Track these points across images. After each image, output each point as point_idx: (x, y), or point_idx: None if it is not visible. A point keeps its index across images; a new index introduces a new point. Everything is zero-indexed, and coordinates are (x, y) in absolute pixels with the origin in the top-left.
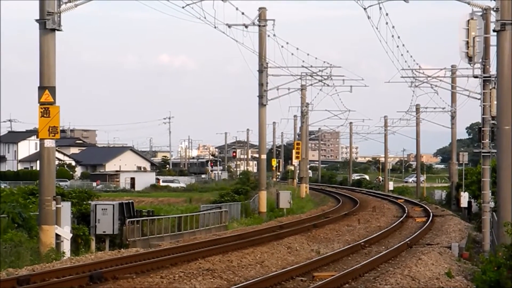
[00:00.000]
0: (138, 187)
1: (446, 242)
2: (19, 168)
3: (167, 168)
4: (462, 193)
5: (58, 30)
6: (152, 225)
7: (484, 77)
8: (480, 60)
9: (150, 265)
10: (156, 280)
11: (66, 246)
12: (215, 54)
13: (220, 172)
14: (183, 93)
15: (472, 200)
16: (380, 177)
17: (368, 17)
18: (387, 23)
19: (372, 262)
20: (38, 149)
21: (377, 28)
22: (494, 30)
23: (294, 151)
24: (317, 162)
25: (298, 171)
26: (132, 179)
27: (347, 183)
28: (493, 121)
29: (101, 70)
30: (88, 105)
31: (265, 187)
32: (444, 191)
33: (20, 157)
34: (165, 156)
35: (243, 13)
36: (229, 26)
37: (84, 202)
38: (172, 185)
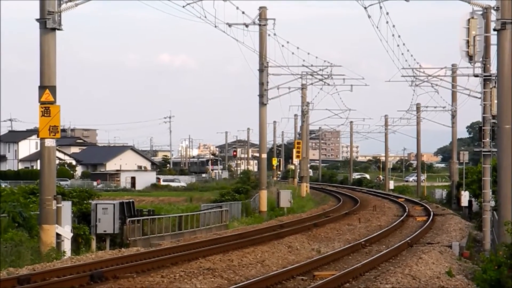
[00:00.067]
0: (139, 186)
1: (447, 241)
2: (20, 167)
3: (167, 168)
4: (462, 192)
5: (58, 29)
6: (153, 225)
7: (484, 76)
8: (481, 59)
9: (151, 265)
10: (157, 279)
11: (66, 246)
12: (216, 54)
13: (220, 171)
14: (183, 92)
15: (473, 199)
16: (380, 176)
17: (369, 16)
18: (387, 22)
19: (373, 261)
20: (38, 149)
21: (377, 27)
22: (494, 29)
23: (294, 150)
24: (318, 161)
25: (298, 170)
26: (133, 179)
27: (348, 182)
28: (493, 120)
29: (102, 69)
30: (89, 104)
31: (266, 186)
32: (445, 190)
33: (20, 156)
34: (166, 156)
35: (243, 12)
36: (230, 25)
37: (85, 202)
38: (172, 184)
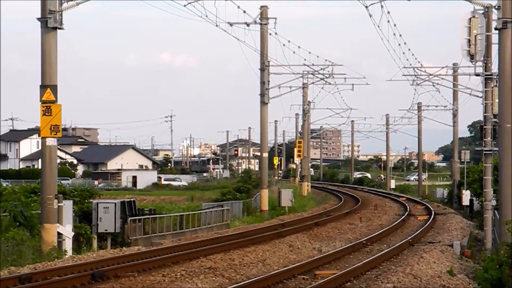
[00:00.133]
0: (140, 185)
1: (448, 240)
2: (21, 166)
3: (168, 167)
4: (464, 191)
5: (59, 28)
6: (154, 224)
7: (485, 75)
8: (482, 58)
9: (152, 264)
10: (158, 278)
11: (68, 245)
12: (217, 53)
13: (221, 170)
14: (184, 91)
15: (474, 198)
16: (381, 175)
17: (370, 16)
18: (388, 21)
19: (374, 260)
20: (40, 148)
21: (378, 27)
22: (495, 28)
23: (295, 149)
24: (319, 160)
25: (299, 169)
26: (134, 178)
27: (349, 181)
28: (495, 119)
29: (103, 68)
30: (90, 103)
31: (267, 185)
32: (446, 189)
33: (22, 155)
34: (167, 155)
35: (244, 12)
36: (231, 24)
37: (86, 201)
38: (173, 183)
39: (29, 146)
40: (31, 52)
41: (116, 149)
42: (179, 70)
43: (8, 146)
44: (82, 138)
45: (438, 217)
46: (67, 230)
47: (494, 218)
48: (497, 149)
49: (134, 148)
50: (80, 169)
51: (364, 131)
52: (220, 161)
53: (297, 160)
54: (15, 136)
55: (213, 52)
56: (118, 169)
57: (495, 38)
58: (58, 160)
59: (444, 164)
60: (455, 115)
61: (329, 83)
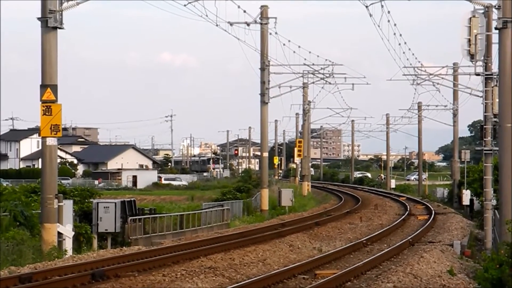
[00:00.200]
0: (140, 185)
1: (448, 240)
2: (21, 166)
3: (169, 166)
4: (464, 191)
5: (60, 28)
6: (154, 223)
7: (486, 74)
8: (482, 58)
9: (152, 263)
10: (158, 278)
11: (68, 244)
12: (217, 53)
13: (222, 170)
14: (184, 91)
15: (474, 198)
16: (382, 175)
17: (370, 15)
18: (389, 21)
19: (374, 260)
20: (40, 147)
21: (379, 26)
22: (496, 28)
23: (296, 149)
24: (319, 160)
25: (300, 169)
26: (134, 177)
27: (349, 181)
28: (495, 119)
29: (103, 68)
30: (90, 103)
31: (267, 185)
32: (446, 189)
33: (22, 155)
34: (167, 154)
35: (245, 11)
36: (231, 24)
37: (86, 200)
38: (174, 183)
39: (29, 146)
40: (31, 52)
41: (116, 149)
42: (179, 69)
43: (8, 145)
44: (82, 138)
45: (438, 216)
46: (67, 229)
47: (494, 217)
48: (497, 148)
49: (134, 147)
50: (80, 168)
51: (364, 131)
52: (220, 161)
53: (297, 159)
54: (15, 135)
55: (213, 51)
56: (118, 169)
57: (495, 37)
58: (58, 160)
59: (444, 164)
60: (455, 115)
61: (329, 83)
